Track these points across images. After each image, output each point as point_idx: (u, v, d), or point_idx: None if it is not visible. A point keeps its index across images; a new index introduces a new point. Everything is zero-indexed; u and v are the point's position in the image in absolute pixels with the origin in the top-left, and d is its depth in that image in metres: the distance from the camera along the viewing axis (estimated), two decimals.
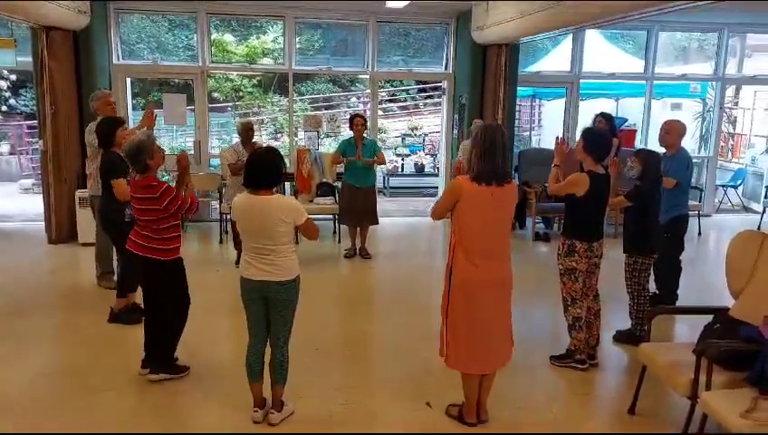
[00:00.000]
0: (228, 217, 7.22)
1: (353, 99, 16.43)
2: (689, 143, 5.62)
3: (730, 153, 13.28)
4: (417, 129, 14.61)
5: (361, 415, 3.70)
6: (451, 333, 3.40)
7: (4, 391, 3.89)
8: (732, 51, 10.31)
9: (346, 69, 11.21)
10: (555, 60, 10.56)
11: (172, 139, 13.69)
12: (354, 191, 6.97)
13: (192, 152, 8.64)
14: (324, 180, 8.29)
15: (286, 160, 8.16)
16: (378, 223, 7.29)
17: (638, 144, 9.48)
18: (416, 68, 9.84)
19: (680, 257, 5.44)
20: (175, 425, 3.61)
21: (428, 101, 16.76)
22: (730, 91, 12.18)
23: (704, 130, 10.90)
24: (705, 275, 6.65)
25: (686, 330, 4.89)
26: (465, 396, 3.53)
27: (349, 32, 10.41)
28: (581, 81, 9.56)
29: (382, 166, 7.93)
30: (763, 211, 9.31)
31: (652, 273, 4.80)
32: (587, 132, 4.27)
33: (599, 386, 4.21)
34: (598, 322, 4.37)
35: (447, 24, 9.05)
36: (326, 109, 16.11)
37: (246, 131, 6.61)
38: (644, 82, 9.74)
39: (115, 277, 5.50)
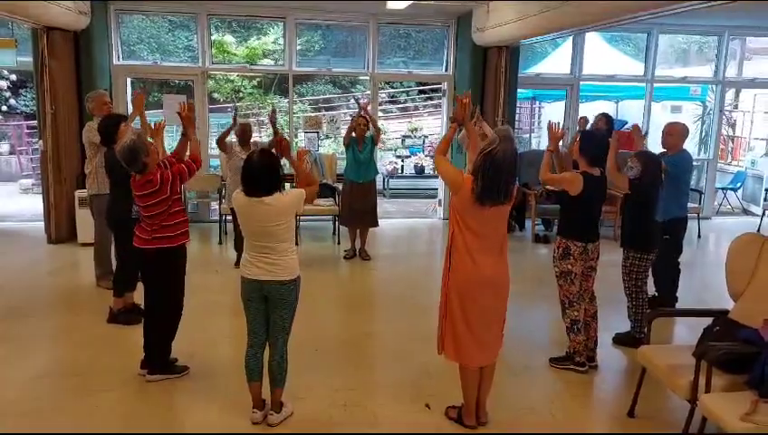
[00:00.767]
0: (227, 217, 7.23)
1: (353, 100, 16.43)
2: (689, 146, 5.63)
3: (730, 156, 13.28)
4: (416, 130, 14.61)
5: (361, 417, 3.69)
6: (449, 324, 3.41)
7: (3, 391, 3.88)
8: (732, 54, 10.32)
9: (346, 70, 11.21)
10: (555, 62, 10.58)
11: (173, 138, 13.68)
12: (355, 188, 6.97)
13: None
14: (324, 181, 8.29)
15: (286, 160, 8.23)
16: (377, 225, 7.29)
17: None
18: (416, 70, 9.84)
19: (679, 260, 5.45)
20: (174, 426, 3.61)
21: (428, 102, 16.78)
22: (730, 94, 12.19)
23: (703, 133, 10.91)
24: (705, 277, 6.65)
25: (686, 332, 4.89)
26: (464, 398, 3.52)
27: (349, 33, 10.42)
28: (581, 83, 9.57)
29: (379, 144, 7.77)
30: (763, 214, 9.31)
31: (651, 275, 4.81)
32: (584, 135, 4.29)
33: (598, 388, 4.21)
34: (595, 323, 4.37)
35: (448, 26, 9.05)
36: (326, 110, 16.12)
37: (244, 133, 6.59)
38: (644, 84, 9.75)
39: None
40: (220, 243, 7.83)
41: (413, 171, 12.78)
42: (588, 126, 7.15)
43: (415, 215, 10.12)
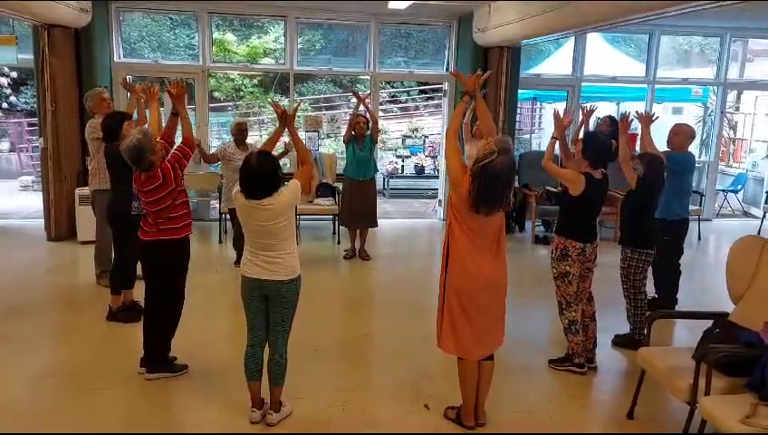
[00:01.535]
0: (227, 216, 7.22)
1: (354, 99, 16.41)
2: (691, 147, 5.62)
3: (731, 158, 13.28)
4: (417, 130, 14.60)
5: (360, 417, 3.69)
6: (447, 317, 3.40)
7: (3, 390, 3.87)
8: (734, 56, 10.31)
9: (347, 69, 11.20)
10: (557, 63, 10.56)
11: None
12: (355, 185, 6.97)
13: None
14: (324, 181, 8.29)
15: (286, 160, 8.23)
16: (377, 225, 7.29)
17: (639, 148, 9.45)
18: (417, 69, 9.84)
19: (679, 262, 5.44)
20: (173, 425, 3.61)
21: (429, 102, 16.77)
22: (731, 95, 12.18)
23: (705, 135, 10.89)
24: (705, 279, 6.65)
25: (686, 334, 4.88)
26: (462, 397, 3.52)
27: (350, 32, 10.41)
28: (583, 84, 9.56)
29: (379, 137, 7.73)
30: (764, 216, 9.30)
31: (651, 277, 4.80)
32: (588, 137, 4.29)
33: (597, 390, 4.20)
34: (593, 324, 4.37)
35: (449, 26, 9.05)
36: (327, 109, 16.11)
37: (240, 132, 6.56)
38: (645, 85, 9.74)
39: None
40: (220, 242, 7.82)
41: (413, 171, 12.78)
42: (592, 117, 7.09)
43: (415, 215, 10.11)
